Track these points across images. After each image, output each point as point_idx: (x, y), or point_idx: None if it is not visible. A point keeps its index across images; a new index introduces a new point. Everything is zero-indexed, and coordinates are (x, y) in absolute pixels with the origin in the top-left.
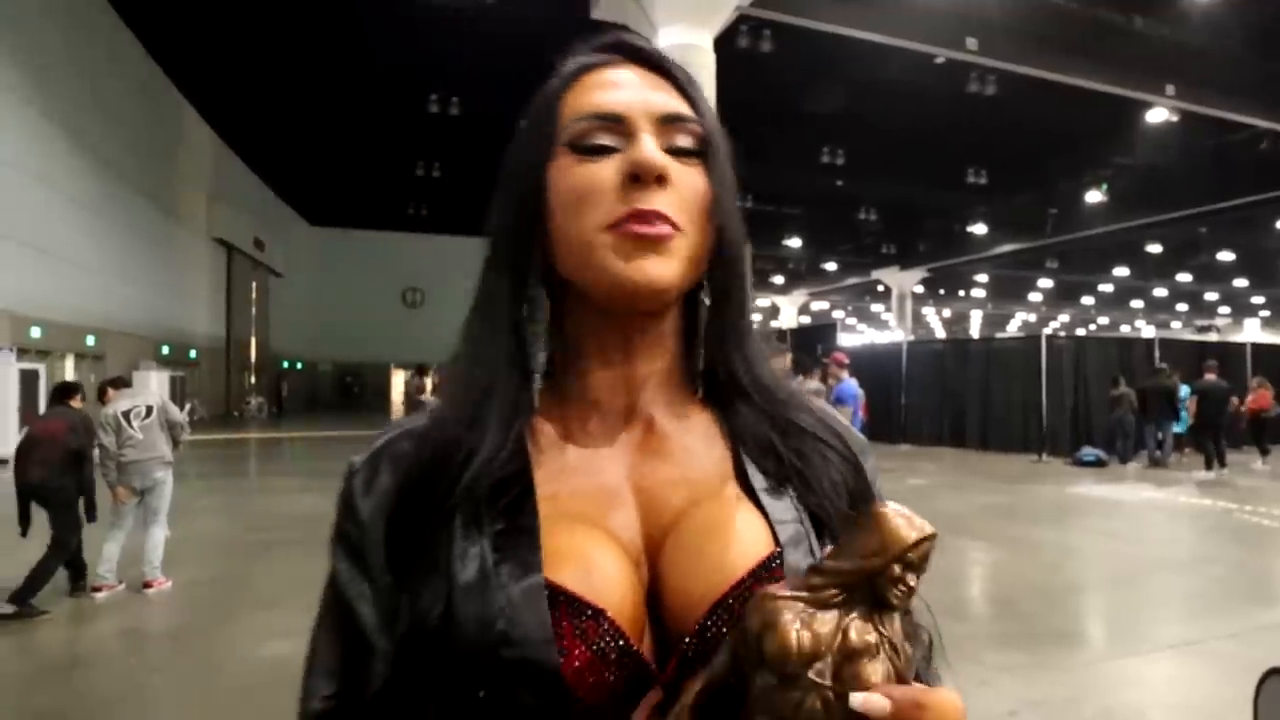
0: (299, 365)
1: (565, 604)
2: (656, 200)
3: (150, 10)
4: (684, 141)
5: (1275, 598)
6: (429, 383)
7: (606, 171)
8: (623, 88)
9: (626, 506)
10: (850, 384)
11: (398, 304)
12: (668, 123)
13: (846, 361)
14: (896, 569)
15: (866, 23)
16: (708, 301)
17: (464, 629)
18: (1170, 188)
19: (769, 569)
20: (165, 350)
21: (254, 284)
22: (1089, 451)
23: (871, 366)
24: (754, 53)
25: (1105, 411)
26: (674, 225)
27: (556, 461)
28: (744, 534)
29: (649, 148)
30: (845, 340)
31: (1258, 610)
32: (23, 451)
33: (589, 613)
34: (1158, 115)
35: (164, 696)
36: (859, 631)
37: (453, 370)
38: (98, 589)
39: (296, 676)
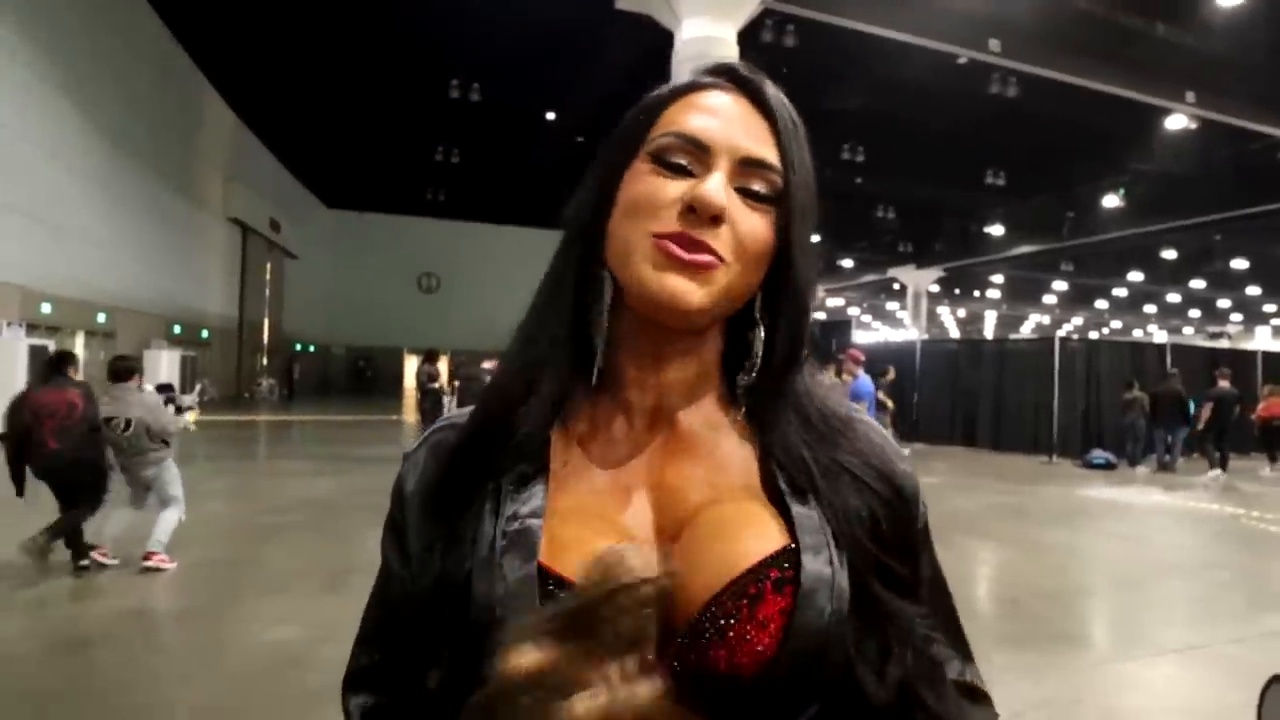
0: (312, 348)
1: (562, 592)
2: (707, 234)
3: None
4: (758, 186)
5: None
6: (441, 369)
7: (672, 191)
8: (719, 118)
9: (641, 502)
10: (865, 381)
11: (413, 289)
12: (748, 165)
13: (862, 359)
14: (606, 609)
15: (890, 21)
16: (761, 335)
17: (473, 607)
18: (1187, 194)
19: (776, 564)
20: (177, 329)
21: (269, 265)
22: (1099, 454)
23: (885, 365)
24: (778, 47)
25: (1116, 415)
26: (718, 258)
27: (579, 456)
28: (756, 530)
29: (714, 187)
30: (859, 337)
31: (1263, 616)
32: (30, 424)
33: None
34: (1177, 122)
35: (169, 678)
36: (571, 666)
37: (509, 349)
38: (93, 548)
39: (302, 661)
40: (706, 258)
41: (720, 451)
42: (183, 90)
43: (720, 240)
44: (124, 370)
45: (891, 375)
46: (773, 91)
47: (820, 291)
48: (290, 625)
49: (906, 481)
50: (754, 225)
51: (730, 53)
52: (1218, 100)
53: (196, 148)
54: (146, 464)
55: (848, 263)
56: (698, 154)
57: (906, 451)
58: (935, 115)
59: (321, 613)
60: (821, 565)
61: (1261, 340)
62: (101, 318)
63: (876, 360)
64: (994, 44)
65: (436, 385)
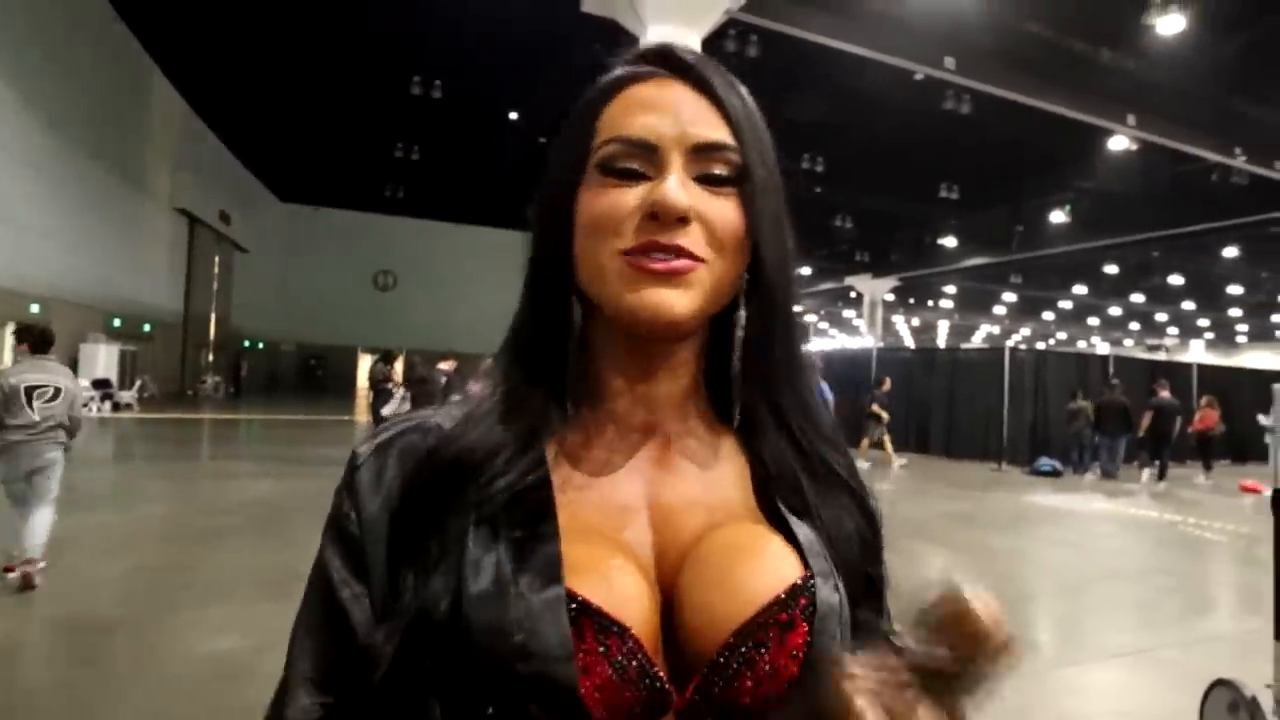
0: (260, 345)
1: (589, 618)
2: (678, 237)
3: None
4: (718, 170)
5: (1218, 608)
6: (398, 369)
7: (630, 199)
8: (660, 111)
9: (641, 523)
10: (822, 388)
11: (368, 286)
12: (701, 151)
13: (820, 366)
14: (985, 666)
15: (851, 35)
16: (740, 331)
17: (477, 639)
18: (1127, 212)
19: (797, 595)
20: (117, 323)
21: (217, 258)
22: (1045, 462)
23: (842, 371)
24: (741, 57)
25: (1063, 423)
26: (695, 258)
27: (574, 473)
28: (770, 557)
29: (672, 188)
30: (816, 344)
31: (1202, 620)
32: None
33: (614, 629)
34: (1119, 143)
35: (102, 691)
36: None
37: (491, 372)
38: (10, 569)
39: (243, 673)
40: (682, 262)
41: (714, 467)
42: (129, 74)
43: (692, 239)
44: (51, 338)
45: (887, 386)
46: (714, 69)
47: None
48: (231, 635)
49: (874, 501)
50: (723, 212)
51: None
52: (1156, 123)
53: (143, 134)
54: (53, 444)
55: (806, 270)
56: (646, 155)
57: (866, 465)
58: (892, 129)
59: (264, 622)
60: (830, 591)
61: (1195, 353)
62: (35, 309)
63: (849, 368)
64: (949, 62)
65: (390, 385)
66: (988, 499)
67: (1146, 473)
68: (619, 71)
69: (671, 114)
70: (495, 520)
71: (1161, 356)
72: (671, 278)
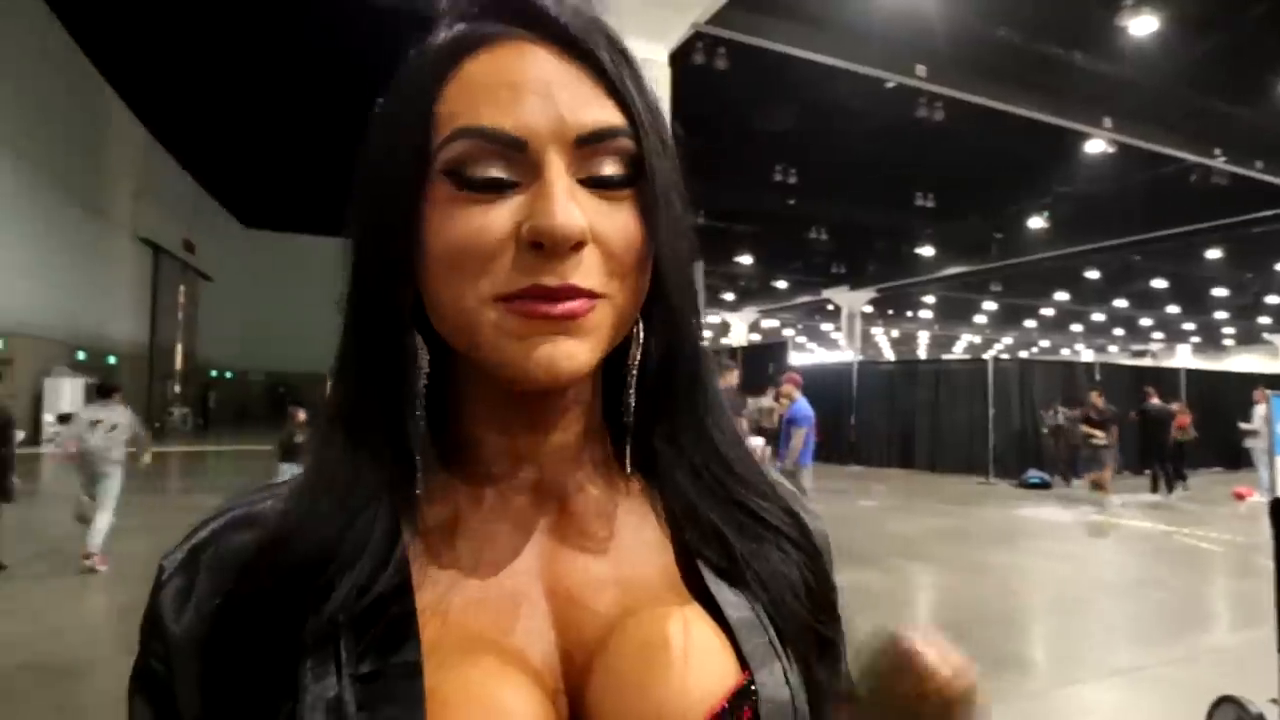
0: (229, 375)
1: None
2: (569, 272)
3: None
4: (610, 168)
5: (1216, 621)
6: None
7: (500, 220)
8: (525, 91)
9: (538, 616)
10: (802, 404)
11: (337, 313)
12: (587, 143)
13: (801, 382)
14: (939, 705)
15: (821, 45)
16: (638, 354)
17: None
18: (1107, 216)
19: (739, 707)
20: (81, 356)
21: (182, 288)
22: (1035, 474)
23: (822, 386)
24: (709, 70)
25: (1047, 437)
26: (593, 295)
27: (443, 557)
28: (700, 656)
29: (561, 208)
30: (795, 359)
31: (1200, 634)
32: None
33: None
34: (1096, 146)
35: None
36: None
37: (313, 443)
38: (89, 556)
39: None
40: (579, 303)
41: (621, 531)
42: (89, 105)
43: (586, 269)
44: (114, 384)
45: (1099, 400)
46: (582, 18)
47: (754, 313)
48: None
49: (815, 524)
50: (622, 228)
51: (662, 75)
52: (1133, 125)
53: (103, 163)
54: (108, 463)
55: (781, 284)
56: (513, 156)
57: (1118, 501)
58: (865, 138)
59: None
60: (777, 683)
61: (1182, 358)
62: None
63: (830, 383)
64: (920, 69)
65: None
66: (978, 513)
67: (1158, 496)
68: (457, 29)
69: (541, 93)
70: (338, 642)
71: (1148, 362)
72: (567, 322)
